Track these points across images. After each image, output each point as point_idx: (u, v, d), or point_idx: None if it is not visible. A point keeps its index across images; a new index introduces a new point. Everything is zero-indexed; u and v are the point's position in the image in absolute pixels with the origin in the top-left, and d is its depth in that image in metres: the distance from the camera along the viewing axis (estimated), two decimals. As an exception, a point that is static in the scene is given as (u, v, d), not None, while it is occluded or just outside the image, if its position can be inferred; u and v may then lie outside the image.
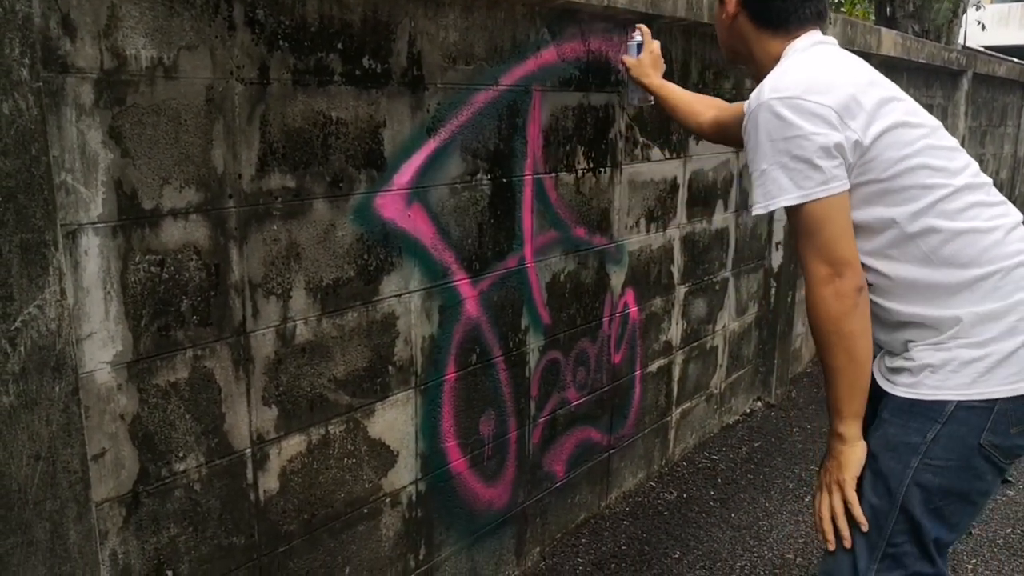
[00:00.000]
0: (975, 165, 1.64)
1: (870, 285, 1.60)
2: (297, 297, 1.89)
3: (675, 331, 3.44)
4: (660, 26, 2.95)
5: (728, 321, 3.87)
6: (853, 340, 1.54)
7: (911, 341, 1.61)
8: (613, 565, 2.80)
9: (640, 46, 2.57)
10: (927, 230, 1.55)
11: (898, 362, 1.63)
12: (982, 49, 15.84)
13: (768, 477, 3.49)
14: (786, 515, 3.18)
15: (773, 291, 4.20)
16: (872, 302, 1.62)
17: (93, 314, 1.54)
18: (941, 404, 1.56)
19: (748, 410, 4.20)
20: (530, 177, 2.51)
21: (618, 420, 3.15)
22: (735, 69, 3.53)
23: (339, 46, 1.89)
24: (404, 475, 2.24)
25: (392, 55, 2.02)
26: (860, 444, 1.60)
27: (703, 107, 2.40)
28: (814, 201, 1.51)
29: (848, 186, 1.53)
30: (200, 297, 1.71)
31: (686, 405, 3.63)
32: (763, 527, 3.09)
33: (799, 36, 1.70)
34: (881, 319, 1.64)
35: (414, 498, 2.29)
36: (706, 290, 3.62)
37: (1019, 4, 26.80)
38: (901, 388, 1.61)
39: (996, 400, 1.54)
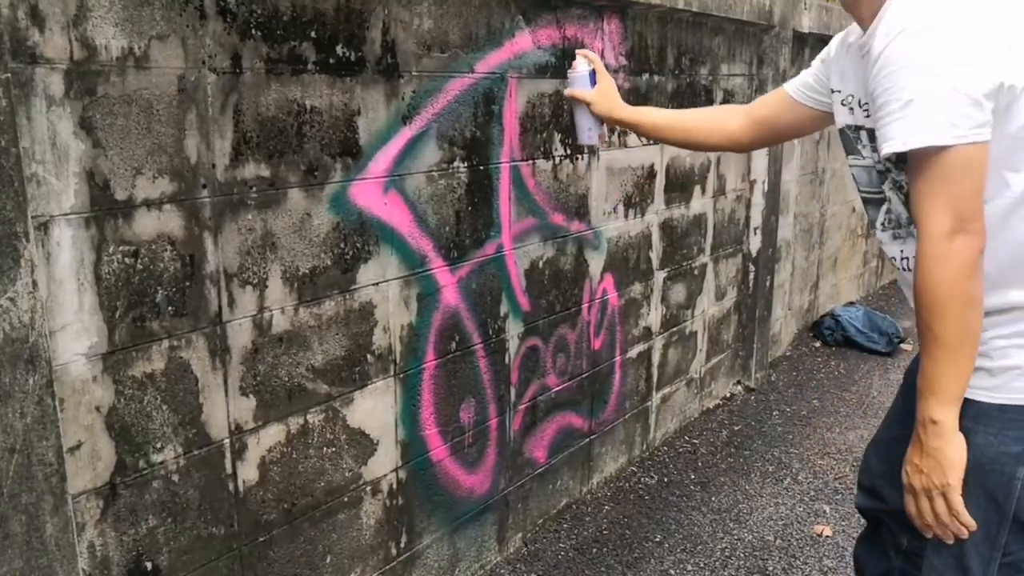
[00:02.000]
0: None
1: None
2: (274, 287, 1.89)
3: (654, 316, 3.46)
4: (635, 13, 2.96)
5: (707, 306, 3.89)
6: (971, 308, 1.34)
7: (992, 335, 1.43)
8: (595, 550, 2.83)
9: (593, 75, 2.15)
10: None
11: None
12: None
13: (748, 460, 3.53)
14: (766, 498, 3.22)
15: (752, 275, 4.23)
16: None
17: (67, 306, 1.53)
18: None
19: (728, 394, 4.24)
20: (507, 164, 2.51)
21: (599, 406, 3.17)
22: (709, 56, 3.54)
23: (312, 34, 1.89)
24: (384, 463, 2.25)
25: (366, 43, 2.01)
26: (959, 438, 1.40)
27: (724, 118, 2.05)
28: (966, 145, 1.28)
29: (990, 137, 1.32)
30: (175, 288, 1.70)
31: (666, 390, 3.65)
32: (743, 510, 3.12)
33: None
34: None
35: (395, 486, 2.30)
36: (685, 275, 3.64)
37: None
38: (983, 392, 1.44)
39: None
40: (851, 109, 1.61)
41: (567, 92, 2.19)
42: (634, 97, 3.03)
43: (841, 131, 1.67)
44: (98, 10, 1.51)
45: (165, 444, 1.73)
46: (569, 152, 2.77)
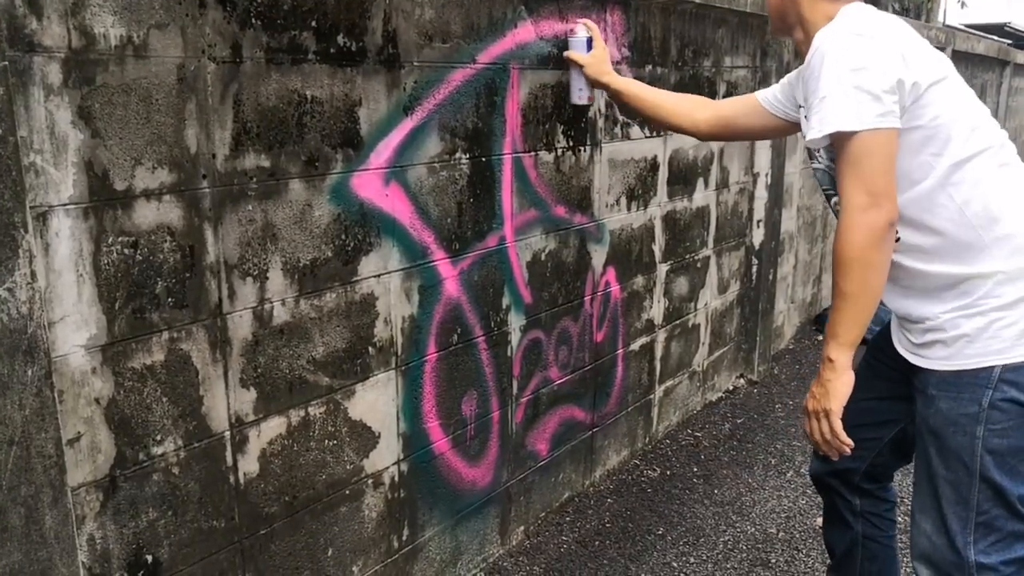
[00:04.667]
0: (1003, 131, 1.72)
1: (898, 242, 1.66)
2: (274, 278, 1.88)
3: (657, 309, 3.44)
4: (638, 4, 2.94)
5: (710, 299, 3.88)
6: (872, 270, 1.58)
7: (941, 310, 1.66)
8: (597, 542, 2.82)
9: (590, 41, 2.45)
10: (962, 181, 1.62)
11: (927, 336, 1.69)
12: (962, 27, 15.87)
13: (751, 453, 3.52)
14: (768, 490, 3.21)
15: (755, 268, 4.21)
16: (901, 266, 1.68)
17: (65, 297, 1.52)
18: (988, 370, 1.62)
19: (731, 387, 4.23)
20: (509, 156, 2.50)
21: (601, 398, 3.16)
22: (713, 49, 3.52)
23: (313, 24, 1.87)
24: (386, 456, 2.24)
25: (367, 33, 2.00)
26: (849, 374, 1.65)
27: (693, 105, 2.34)
28: (868, 131, 1.54)
29: (900, 126, 1.58)
30: (175, 279, 1.69)
31: (669, 383, 3.64)
32: (746, 503, 3.11)
33: (849, 2, 1.75)
34: (908, 284, 1.70)
35: (396, 479, 2.29)
36: (688, 268, 3.63)
37: (999, -19, 26.84)
38: (939, 362, 1.68)
39: None
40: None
41: (565, 54, 2.50)
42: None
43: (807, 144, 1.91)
44: (96, -2, 1.49)
45: (165, 436, 1.72)
46: (572, 144, 2.75)
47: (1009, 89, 9.64)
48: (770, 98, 2.12)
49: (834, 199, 1.85)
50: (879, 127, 1.55)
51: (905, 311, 1.74)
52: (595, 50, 2.46)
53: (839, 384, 1.65)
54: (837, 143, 1.60)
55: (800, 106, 1.91)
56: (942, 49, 6.61)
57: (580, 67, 2.46)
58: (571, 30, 2.48)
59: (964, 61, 7.49)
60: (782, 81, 2.10)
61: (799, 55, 1.87)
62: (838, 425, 1.67)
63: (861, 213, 1.56)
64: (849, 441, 1.68)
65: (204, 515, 1.81)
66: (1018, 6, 25.31)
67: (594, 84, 2.49)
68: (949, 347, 1.66)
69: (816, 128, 1.60)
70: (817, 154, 1.85)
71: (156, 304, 1.66)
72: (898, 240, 1.67)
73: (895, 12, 8.57)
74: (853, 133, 1.55)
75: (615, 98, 2.52)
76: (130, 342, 1.63)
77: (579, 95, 2.53)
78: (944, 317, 1.66)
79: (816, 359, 4.69)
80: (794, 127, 2.08)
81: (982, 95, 8.47)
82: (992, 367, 1.62)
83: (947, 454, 1.67)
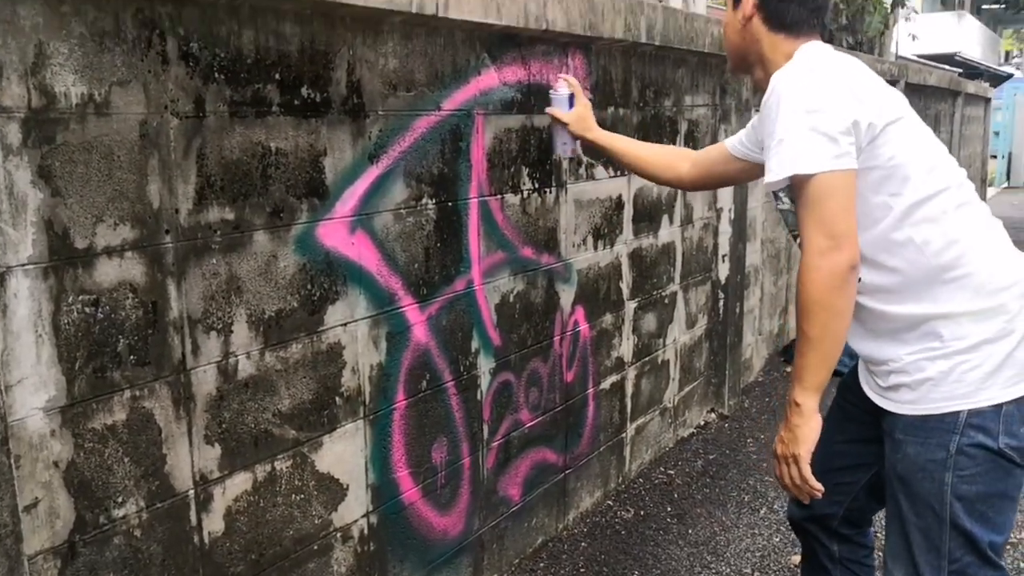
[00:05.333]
0: (961, 169, 1.73)
1: (860, 282, 1.65)
2: (239, 331, 1.86)
3: (626, 347, 3.45)
4: (599, 47, 2.98)
5: (679, 334, 3.90)
6: (835, 314, 1.57)
7: (905, 352, 1.65)
8: (571, 586, 2.79)
9: (572, 98, 2.47)
10: (922, 221, 1.62)
11: (892, 379, 1.69)
12: (914, 58, 16.32)
13: (724, 490, 3.52)
14: (743, 528, 3.21)
15: (722, 302, 4.25)
16: (863, 307, 1.68)
17: (24, 359, 1.49)
18: (953, 415, 1.61)
19: (702, 422, 4.24)
20: (475, 200, 2.51)
21: (573, 439, 3.15)
22: (673, 88, 3.58)
23: (277, 76, 1.87)
24: (355, 508, 2.21)
25: (331, 84, 2.00)
26: (816, 418, 1.64)
27: (675, 159, 2.39)
28: (826, 172, 1.55)
29: (856, 166, 1.58)
30: (137, 336, 1.66)
31: (640, 420, 3.64)
32: (720, 542, 3.11)
33: (807, 41, 1.78)
34: (872, 327, 1.70)
35: (366, 531, 2.25)
36: (655, 304, 3.65)
37: (948, 13, 27.69)
38: (907, 406, 1.67)
39: (1002, 404, 1.60)
40: None
41: (547, 110, 2.53)
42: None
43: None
44: (57, 57, 1.48)
45: (127, 498, 1.67)
46: (537, 186, 2.77)
47: (962, 118, 9.90)
48: (737, 145, 2.16)
49: (799, 239, 1.88)
50: (836, 168, 1.55)
51: (868, 353, 1.74)
52: (577, 107, 2.49)
53: (807, 429, 1.63)
54: (796, 185, 1.61)
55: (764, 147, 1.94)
56: (896, 82, 6.79)
57: (563, 125, 2.49)
58: (553, 87, 2.50)
59: (918, 93, 7.68)
60: (747, 127, 2.13)
61: (758, 91, 1.91)
62: (807, 470, 1.65)
63: (822, 256, 1.55)
64: (818, 485, 1.66)
65: (169, 577, 1.77)
66: (965, 34, 26.06)
67: (579, 140, 2.53)
68: (914, 391, 1.65)
69: (775, 170, 1.61)
70: (780, 194, 1.84)
71: (118, 362, 1.63)
72: (860, 281, 1.66)
73: (848, 47, 8.78)
74: (811, 175, 1.56)
75: (602, 152, 2.56)
76: (91, 402, 1.60)
77: (563, 149, 2.58)
78: (907, 359, 1.65)
79: (785, 391, 4.73)
80: (760, 170, 2.09)
81: (937, 125, 8.69)
82: (958, 412, 1.61)
83: (916, 500, 1.66)
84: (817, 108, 1.57)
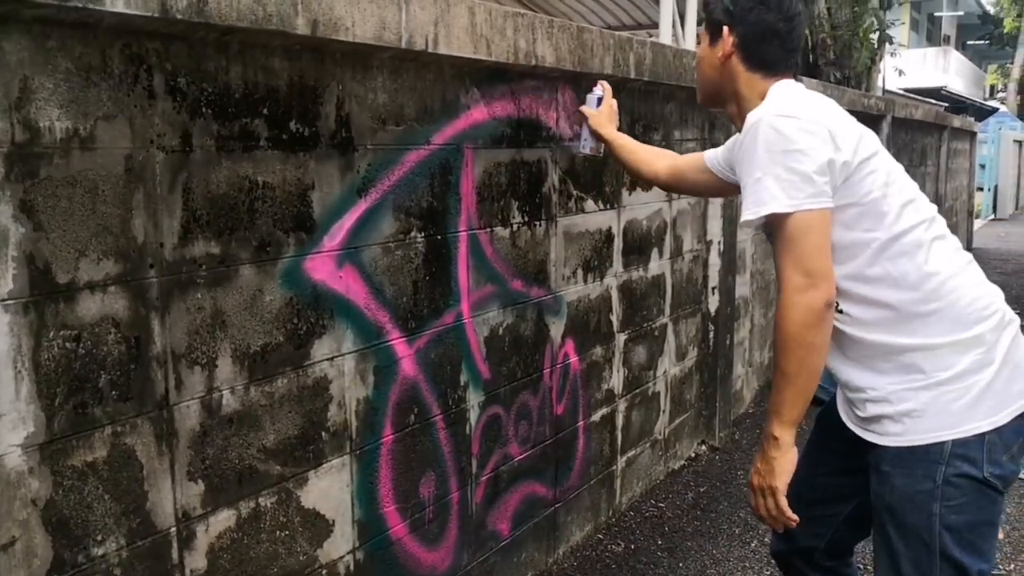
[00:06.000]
0: (932, 204, 1.77)
1: (841, 313, 1.69)
2: (223, 366, 1.84)
3: (617, 379, 3.44)
4: (589, 82, 3.00)
5: (669, 366, 3.89)
6: (811, 351, 1.61)
7: (887, 382, 1.67)
8: (561, 624, 2.75)
9: (600, 100, 2.69)
10: (899, 255, 1.65)
11: (872, 409, 1.70)
12: (901, 92, 16.52)
13: (715, 523, 3.49)
14: (733, 561, 3.17)
15: (712, 334, 4.24)
16: (843, 334, 1.70)
17: (2, 395, 1.47)
18: (939, 446, 1.63)
19: (693, 454, 4.22)
20: (465, 233, 2.51)
21: (563, 472, 3.12)
22: (662, 123, 3.60)
23: (265, 111, 1.87)
24: (341, 545, 2.18)
25: (320, 118, 2.00)
26: (793, 451, 1.68)
27: (655, 156, 2.54)
28: (802, 212, 1.59)
29: (832, 205, 1.62)
30: (119, 371, 1.64)
31: (631, 453, 3.62)
32: (711, 575, 3.08)
33: (781, 79, 1.83)
34: (852, 355, 1.71)
35: (352, 568, 2.22)
36: (646, 337, 3.64)
37: (934, 49, 28.11)
38: (891, 438, 1.68)
39: (985, 433, 1.62)
40: None
41: (580, 109, 2.74)
42: (589, 164, 3.06)
43: None
44: (42, 92, 1.48)
45: (107, 536, 1.65)
46: (527, 219, 2.77)
47: (948, 152, 10.00)
48: (713, 159, 2.23)
49: None
50: (812, 207, 1.59)
51: (847, 378, 1.76)
52: (602, 106, 2.67)
53: (783, 462, 1.67)
54: (773, 224, 1.65)
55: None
56: (883, 116, 6.86)
57: (586, 119, 2.68)
58: (590, 88, 2.73)
59: (905, 127, 7.76)
60: (726, 143, 2.19)
61: (731, 123, 1.98)
62: (783, 501, 1.68)
63: (799, 294, 1.59)
64: (794, 517, 1.69)
65: (149, 617, 1.73)
66: (951, 69, 26.44)
67: (593, 135, 2.69)
68: (898, 422, 1.66)
69: (752, 210, 1.65)
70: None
71: (99, 398, 1.61)
72: (841, 312, 1.69)
73: (836, 81, 8.89)
74: (788, 214, 1.60)
75: (609, 148, 2.69)
76: (71, 439, 1.58)
77: (584, 145, 2.75)
78: (889, 389, 1.67)
79: (775, 424, 4.71)
80: (733, 189, 2.13)
81: (923, 159, 8.78)
82: (943, 442, 1.62)
83: (905, 532, 1.67)
84: (793, 148, 1.60)
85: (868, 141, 1.70)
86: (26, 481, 1.51)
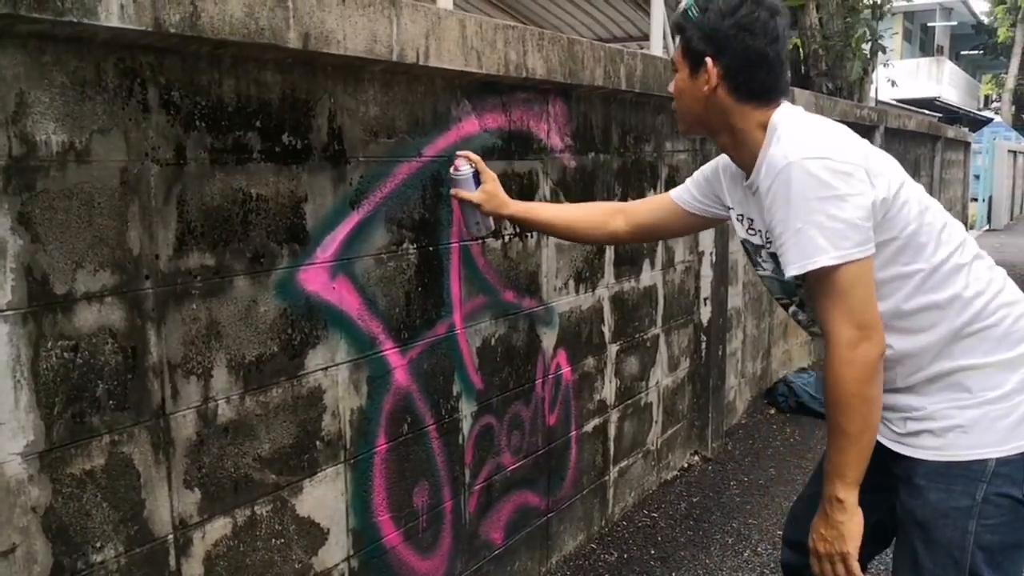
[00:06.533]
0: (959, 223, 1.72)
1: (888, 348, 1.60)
2: (219, 376, 1.87)
3: (609, 390, 3.47)
4: (580, 95, 3.04)
5: (661, 377, 3.92)
6: (872, 405, 1.54)
7: (930, 402, 1.62)
8: (555, 632, 2.77)
9: (476, 175, 2.22)
10: (942, 282, 1.60)
11: (912, 426, 1.65)
12: (894, 102, 16.63)
13: (707, 533, 3.51)
14: (726, 571, 3.19)
15: (704, 345, 4.27)
16: (888, 364, 1.62)
17: (2, 404, 1.49)
18: (982, 463, 1.58)
19: (686, 465, 4.24)
20: (457, 244, 2.54)
21: (556, 482, 3.15)
22: (654, 134, 3.64)
23: (258, 124, 1.91)
24: (335, 553, 2.20)
25: (312, 131, 2.04)
26: (859, 513, 1.59)
27: (602, 216, 2.23)
28: (851, 262, 1.50)
29: (874, 249, 1.54)
30: (116, 381, 1.67)
31: (623, 463, 3.64)
32: (703, 584, 3.09)
33: (776, 106, 1.69)
34: (891, 383, 1.65)
35: None
36: (638, 347, 3.67)
37: (927, 59, 28.28)
38: (930, 452, 1.62)
39: None
40: (749, 229, 1.83)
41: (452, 192, 2.25)
42: (580, 175, 3.10)
43: (743, 242, 1.88)
44: (38, 106, 1.52)
45: (105, 543, 1.67)
46: (519, 230, 2.81)
47: (942, 162, 10.07)
48: (687, 198, 2.04)
49: (792, 309, 1.86)
50: (860, 257, 1.51)
51: (888, 401, 1.67)
52: (485, 184, 2.22)
53: (852, 525, 1.58)
54: (815, 276, 1.54)
55: (729, 207, 1.89)
56: (875, 127, 6.92)
57: (475, 205, 2.22)
58: (454, 166, 2.22)
59: (897, 138, 7.83)
60: (695, 178, 2.03)
61: (722, 151, 1.83)
62: (855, 567, 1.59)
63: (852, 349, 1.51)
64: None
65: (144, 624, 1.75)
66: (945, 79, 26.60)
67: (495, 218, 2.30)
68: (940, 437, 1.61)
69: (797, 263, 1.53)
70: (759, 259, 1.81)
71: (97, 407, 1.64)
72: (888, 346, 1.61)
73: (828, 92, 8.96)
74: (836, 266, 1.50)
75: (521, 225, 2.41)
76: (69, 447, 1.60)
77: (477, 229, 2.28)
78: (932, 409, 1.62)
79: (769, 433, 4.74)
80: (716, 221, 2.05)
81: (916, 170, 8.84)
82: (986, 460, 1.57)
83: (935, 548, 1.61)
84: (832, 194, 1.49)
85: (896, 169, 1.63)
86: (26, 489, 1.53)
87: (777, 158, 1.56)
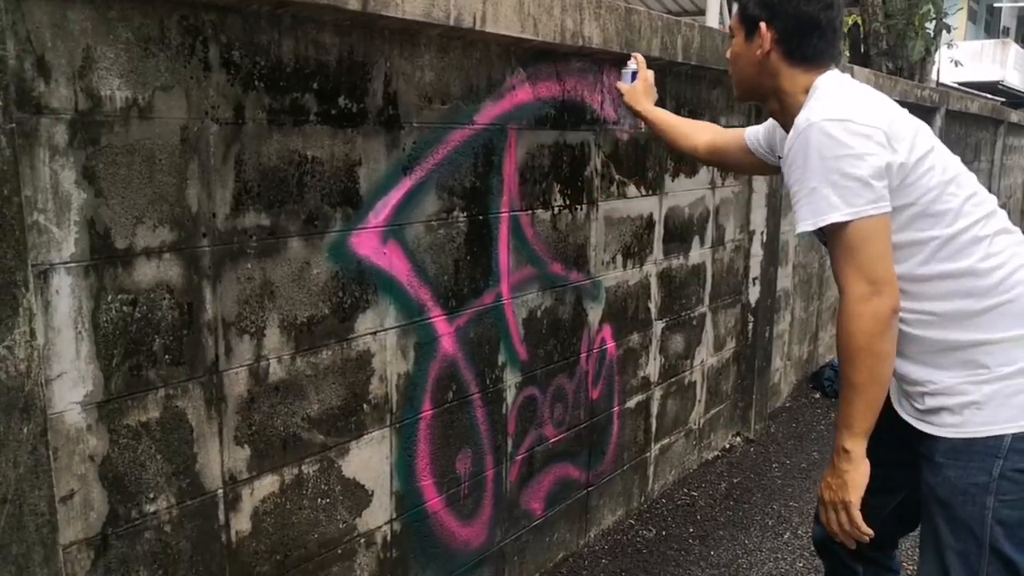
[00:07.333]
0: (992, 196, 1.71)
1: (901, 313, 1.63)
2: (271, 335, 1.89)
3: (653, 367, 3.45)
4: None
5: (706, 356, 3.88)
6: (880, 360, 1.58)
7: (947, 376, 1.64)
8: (592, 604, 2.78)
9: (635, 74, 2.67)
10: (961, 251, 1.62)
11: (930, 401, 1.67)
12: (956, 85, 16.14)
13: (747, 513, 3.49)
14: (765, 552, 3.17)
15: (751, 326, 4.22)
16: (903, 333, 1.66)
17: (64, 354, 1.53)
18: (998, 439, 1.59)
19: (727, 445, 4.21)
20: (506, 214, 2.53)
21: (596, 457, 3.14)
22: (708, 108, 3.58)
23: (315, 86, 1.91)
24: (379, 515, 2.23)
25: (368, 95, 2.04)
26: (865, 464, 1.63)
27: (695, 130, 2.50)
28: (863, 219, 1.54)
29: (890, 209, 1.57)
30: (172, 336, 1.70)
31: (665, 441, 3.63)
32: (742, 565, 3.08)
33: (824, 71, 1.76)
34: (910, 351, 1.68)
35: (389, 538, 2.27)
36: (683, 325, 3.64)
37: (992, 41, 27.38)
38: (949, 429, 1.64)
39: None
40: None
41: (615, 84, 2.74)
42: (632, 148, 3.07)
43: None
44: (104, 61, 1.53)
45: (158, 494, 1.71)
46: (568, 203, 2.79)
47: (1003, 148, 9.77)
48: (753, 138, 2.20)
49: None
50: (873, 214, 1.55)
51: (904, 372, 1.72)
52: (637, 82, 2.65)
53: (856, 475, 1.63)
54: (830, 233, 1.60)
55: (780, 156, 1.92)
56: (936, 109, 6.73)
57: (622, 95, 2.67)
58: (626, 63, 2.71)
59: (958, 120, 7.61)
60: (765, 123, 2.16)
61: (771, 116, 1.95)
62: (858, 516, 1.64)
63: (863, 303, 1.55)
64: (869, 531, 1.65)
65: (194, 574, 1.79)
66: (1009, 62, 25.76)
67: (632, 112, 2.68)
68: (957, 414, 1.63)
69: (809, 220, 1.60)
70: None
71: (153, 361, 1.67)
72: (904, 312, 1.65)
73: (888, 72, 8.73)
74: (848, 222, 1.55)
75: (646, 122, 2.67)
76: (126, 399, 1.64)
77: (623, 118, 2.85)
78: (949, 382, 1.64)
79: (813, 417, 4.68)
80: (770, 169, 2.17)
81: (977, 154, 8.59)
82: (1003, 435, 1.59)
83: (956, 524, 1.64)
84: (847, 153, 1.55)
85: (923, 137, 1.65)
86: (84, 437, 1.57)
87: (801, 119, 1.63)
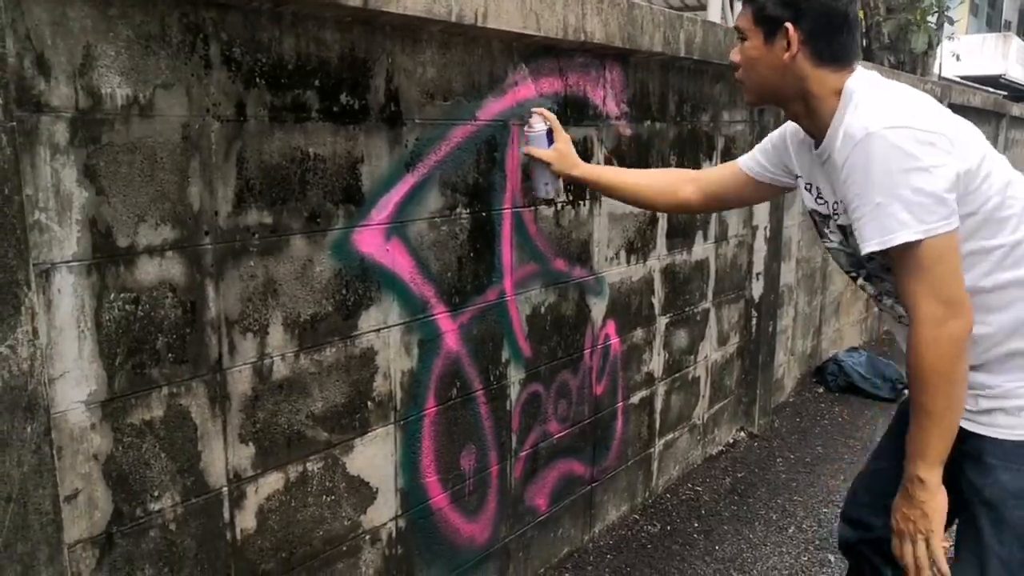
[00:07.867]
0: None
1: None
2: (274, 333, 1.89)
3: (657, 362, 3.44)
4: (637, 61, 2.99)
5: (710, 352, 3.88)
6: (957, 385, 1.50)
7: (1003, 380, 1.59)
8: (597, 600, 2.78)
9: (550, 133, 2.27)
10: (1022, 259, 1.55)
11: (984, 403, 1.61)
12: (958, 79, 16.10)
13: (752, 508, 3.48)
14: (770, 547, 3.17)
15: (754, 321, 4.21)
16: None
17: (67, 353, 1.53)
18: None
19: (731, 440, 4.20)
20: (509, 211, 2.52)
21: (601, 452, 3.14)
22: (711, 104, 3.57)
23: (316, 83, 1.91)
24: (384, 511, 2.22)
25: (370, 91, 2.03)
26: (942, 491, 1.56)
27: (674, 183, 2.20)
28: (935, 236, 1.44)
29: (959, 223, 1.47)
30: (176, 334, 1.70)
31: (669, 436, 3.62)
32: (747, 559, 3.07)
33: (851, 70, 1.64)
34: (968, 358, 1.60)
35: (394, 535, 2.27)
36: (687, 321, 3.63)
37: (994, 35, 27.30)
38: (1003, 430, 1.59)
39: None
40: (817, 199, 1.77)
41: (524, 150, 2.31)
42: (635, 144, 3.06)
43: (810, 212, 1.83)
44: (104, 59, 1.53)
45: (163, 492, 1.71)
46: (571, 198, 2.78)
47: (1006, 141, 9.75)
48: (754, 166, 2.01)
49: (860, 282, 1.78)
50: (945, 231, 1.44)
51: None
52: (558, 143, 2.27)
53: (935, 503, 1.55)
54: (896, 252, 1.49)
55: (798, 176, 1.85)
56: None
57: (545, 164, 2.28)
58: (528, 123, 2.29)
59: (960, 114, 7.53)
60: (763, 146, 2.00)
61: (792, 120, 1.79)
62: (939, 549, 1.57)
63: (939, 327, 1.46)
64: (947, 569, 1.58)
65: (200, 572, 1.79)
66: (1011, 55, 25.69)
67: (565, 179, 2.35)
68: (1013, 416, 1.58)
69: (875, 239, 1.48)
70: (826, 230, 1.76)
71: (156, 360, 1.67)
72: None
73: (890, 66, 8.71)
74: (919, 241, 1.44)
75: (590, 187, 2.41)
76: (130, 398, 1.63)
77: (545, 190, 2.34)
78: (1007, 387, 1.59)
79: (817, 412, 4.68)
80: (785, 189, 2.02)
81: (978, 148, 8.55)
82: None
83: (1003, 528, 1.58)
84: (916, 166, 1.43)
85: (978, 140, 1.55)
86: (88, 436, 1.57)
87: (855, 128, 1.49)
